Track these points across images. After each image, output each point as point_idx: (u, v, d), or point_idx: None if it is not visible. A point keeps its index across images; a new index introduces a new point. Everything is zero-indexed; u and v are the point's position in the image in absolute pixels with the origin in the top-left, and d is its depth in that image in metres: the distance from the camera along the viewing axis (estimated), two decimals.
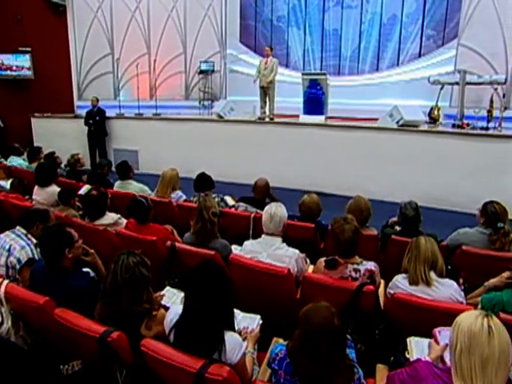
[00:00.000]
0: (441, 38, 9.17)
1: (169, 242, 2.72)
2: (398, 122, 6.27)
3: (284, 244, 2.57)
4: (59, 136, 8.56)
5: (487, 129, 6.42)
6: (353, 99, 9.40)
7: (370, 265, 2.36)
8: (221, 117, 7.46)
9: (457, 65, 7.80)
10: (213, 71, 9.72)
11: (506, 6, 7.23)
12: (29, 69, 8.98)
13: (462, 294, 2.20)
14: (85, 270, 2.24)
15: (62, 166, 5.02)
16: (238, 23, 10.47)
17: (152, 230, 2.95)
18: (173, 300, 2.40)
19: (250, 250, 2.57)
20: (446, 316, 2.04)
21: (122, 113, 8.64)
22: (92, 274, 2.22)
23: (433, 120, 7.54)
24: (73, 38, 9.58)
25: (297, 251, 2.55)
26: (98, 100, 8.05)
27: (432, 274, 2.18)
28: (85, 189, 4.21)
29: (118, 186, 4.24)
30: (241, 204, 3.60)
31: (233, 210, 3.61)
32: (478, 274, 2.88)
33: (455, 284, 2.19)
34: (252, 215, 3.43)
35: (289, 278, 2.39)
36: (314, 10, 10.17)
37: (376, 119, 8.78)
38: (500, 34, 7.35)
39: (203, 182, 3.80)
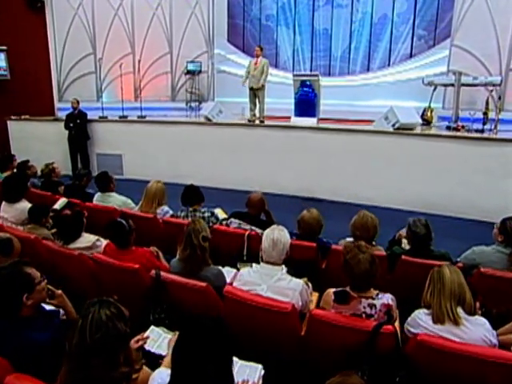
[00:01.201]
0: (432, 39, 8.97)
1: (153, 271, 2.35)
2: (393, 125, 5.99)
3: (286, 273, 2.22)
4: (38, 140, 8.03)
5: (482, 131, 6.20)
6: (343, 100, 9.13)
7: (387, 298, 2.03)
8: (209, 120, 7.07)
9: (450, 65, 7.57)
10: (200, 72, 9.34)
11: (500, 7, 7.03)
12: (5, 69, 8.39)
13: (495, 333, 1.89)
14: (51, 309, 1.85)
15: (38, 174, 4.56)
16: (226, 22, 10.10)
17: (134, 255, 2.57)
18: (158, 344, 2.03)
19: (248, 281, 2.21)
20: (480, 363, 1.74)
21: (105, 115, 8.15)
22: (62, 312, 1.83)
23: (426, 122, 7.31)
24: (52, 36, 9.01)
25: (301, 282, 2.21)
26: (78, 102, 7.56)
27: (460, 311, 1.87)
28: (61, 203, 3.80)
29: (97, 199, 3.83)
30: (233, 220, 3.24)
31: (225, 226, 3.24)
32: (498, 299, 2.60)
33: (487, 322, 1.88)
34: (246, 233, 3.07)
35: (293, 315, 2.04)
36: (304, 9, 9.85)
37: (368, 121, 8.54)
38: (493, 35, 7.15)
39: (192, 196, 3.42)
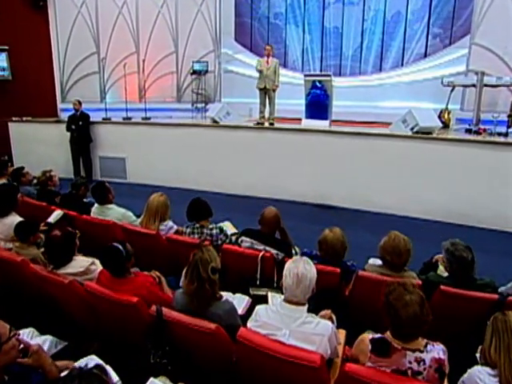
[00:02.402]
0: (448, 37, 8.51)
1: (154, 307, 1.97)
2: (412, 129, 5.57)
3: (311, 315, 1.84)
4: (40, 142, 7.71)
5: (506, 135, 5.77)
6: (354, 101, 8.70)
7: (438, 350, 1.64)
8: (216, 122, 6.69)
9: (469, 65, 7.12)
10: (206, 71, 8.97)
11: None
12: (5, 69, 8.08)
13: None
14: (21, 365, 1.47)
15: (34, 182, 4.21)
16: (233, 20, 9.72)
17: (132, 285, 2.20)
18: None
19: (266, 323, 1.83)
20: None
21: (109, 117, 7.81)
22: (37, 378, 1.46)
23: (443, 124, 6.88)
24: (55, 35, 8.69)
25: (329, 325, 1.82)
26: (80, 103, 7.22)
27: None
28: (55, 215, 3.44)
29: (95, 211, 3.47)
30: (245, 239, 2.86)
31: (235, 246, 2.86)
32: None
33: None
34: (260, 255, 2.69)
35: (322, 369, 1.66)
36: (314, 7, 9.43)
37: (380, 123, 8.14)
38: None
39: (198, 211, 3.05)
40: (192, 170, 6.88)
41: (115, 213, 3.41)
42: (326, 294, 2.42)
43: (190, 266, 1.98)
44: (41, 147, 7.72)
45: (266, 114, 6.81)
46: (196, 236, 3.02)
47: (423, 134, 5.57)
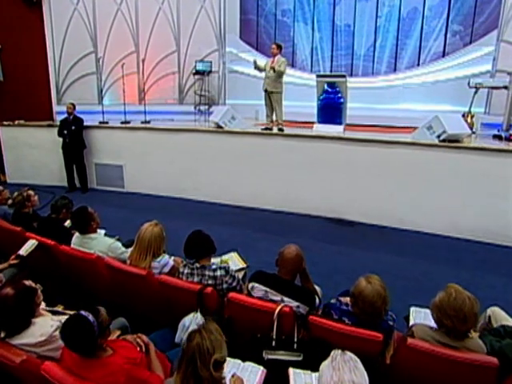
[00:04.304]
0: (469, 34, 7.83)
1: None
2: (439, 137, 4.91)
3: None
4: (33, 148, 7.14)
5: None
6: (367, 103, 8.06)
7: None
8: (220, 127, 6.05)
9: (497, 65, 6.43)
10: (210, 72, 8.34)
11: None
12: None
13: None
14: None
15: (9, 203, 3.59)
16: (238, 18, 9.09)
17: (107, 369, 1.58)
18: None
19: None
20: None
21: (106, 120, 7.20)
22: None
23: None
24: (50, 33, 8.07)
25: None
26: (74, 106, 6.60)
27: None
28: (28, 246, 2.84)
29: (75, 242, 2.84)
30: (257, 286, 2.23)
31: (244, 296, 2.22)
32: None
33: None
34: (277, 310, 2.06)
35: None
36: (324, 3, 8.77)
37: (396, 127, 7.48)
38: None
39: (199, 248, 2.42)
40: (194, 179, 6.27)
41: (100, 244, 2.78)
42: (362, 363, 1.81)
43: (185, 356, 1.35)
44: (34, 153, 7.15)
45: (274, 117, 6.13)
46: (196, 279, 2.40)
47: (450, 142, 4.91)
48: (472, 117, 6.52)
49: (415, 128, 7.20)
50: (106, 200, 6.39)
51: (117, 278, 2.62)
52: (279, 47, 6.05)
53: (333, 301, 2.20)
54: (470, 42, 7.76)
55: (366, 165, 5.24)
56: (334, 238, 4.86)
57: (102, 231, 3.44)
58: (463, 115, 6.45)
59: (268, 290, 2.20)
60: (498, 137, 5.81)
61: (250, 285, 2.28)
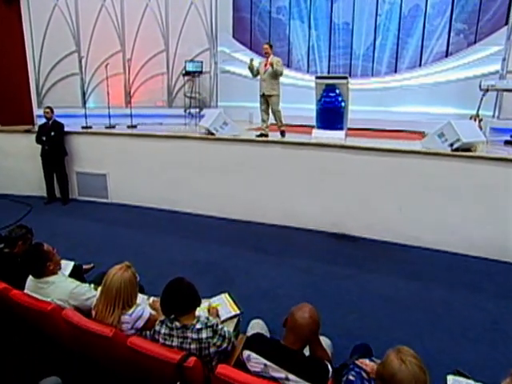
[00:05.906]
0: (473, 33, 7.35)
1: None
2: (451, 145, 4.40)
3: None
4: (8, 155, 6.50)
5: None
6: (366, 106, 7.57)
7: None
8: (211, 133, 5.49)
9: (508, 65, 5.94)
10: (201, 72, 7.78)
11: None
12: None
13: None
14: None
15: None
16: (231, 15, 8.54)
17: None
18: None
19: None
20: None
21: (90, 125, 6.60)
22: None
23: None
24: (28, 31, 7.40)
25: None
26: (52, 111, 5.99)
27: None
28: None
29: (29, 286, 2.27)
30: (254, 356, 1.68)
31: (237, 373, 1.67)
32: None
33: None
34: None
35: None
36: (321, 0, 8.21)
37: (396, 131, 7.00)
38: None
39: (180, 301, 1.85)
40: (184, 190, 5.69)
41: (58, 290, 2.20)
42: None
43: None
44: (9, 161, 6.51)
45: (273, 121, 5.57)
46: (175, 342, 1.84)
47: (463, 150, 4.41)
48: (480, 120, 6.03)
49: (419, 132, 6.77)
50: (87, 213, 5.80)
51: (77, 335, 2.05)
52: (271, 46, 5.49)
53: (352, 377, 1.66)
54: (475, 42, 7.28)
55: (370, 175, 4.71)
56: (336, 257, 4.34)
57: (70, 264, 2.88)
58: (470, 118, 5.99)
59: (269, 363, 1.66)
60: (510, 143, 5.35)
61: (246, 353, 1.73)
